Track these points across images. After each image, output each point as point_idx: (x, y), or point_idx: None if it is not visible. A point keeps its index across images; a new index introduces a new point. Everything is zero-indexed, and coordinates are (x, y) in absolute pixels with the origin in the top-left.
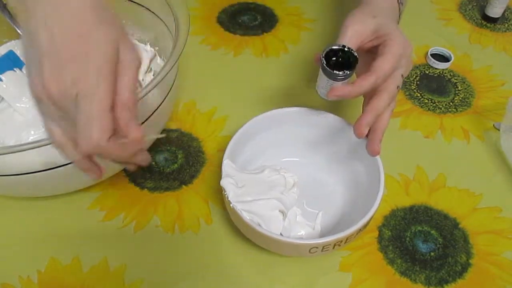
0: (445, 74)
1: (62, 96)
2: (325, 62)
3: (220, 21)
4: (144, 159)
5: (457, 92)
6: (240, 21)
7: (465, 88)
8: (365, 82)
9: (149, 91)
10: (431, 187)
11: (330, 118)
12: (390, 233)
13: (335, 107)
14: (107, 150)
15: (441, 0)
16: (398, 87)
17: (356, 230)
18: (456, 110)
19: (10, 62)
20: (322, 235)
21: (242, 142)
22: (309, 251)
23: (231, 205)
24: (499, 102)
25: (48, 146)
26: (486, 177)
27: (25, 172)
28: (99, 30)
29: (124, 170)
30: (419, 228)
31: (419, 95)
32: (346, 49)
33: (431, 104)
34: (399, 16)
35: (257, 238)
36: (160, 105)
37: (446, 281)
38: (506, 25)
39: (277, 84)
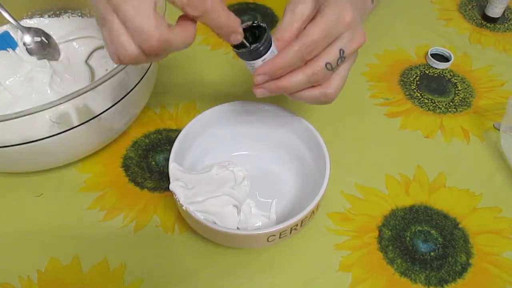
0: (445, 74)
1: None
2: (232, 45)
3: None
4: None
5: (457, 92)
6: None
7: (465, 88)
8: (287, 51)
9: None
10: (431, 187)
11: (273, 109)
12: (390, 233)
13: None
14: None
15: (441, 0)
16: (328, 64)
17: (309, 212)
18: (456, 110)
19: (4, 42)
20: (278, 223)
21: (187, 143)
22: (267, 240)
23: (183, 208)
24: (499, 102)
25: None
26: (486, 177)
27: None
28: None
29: (125, 170)
30: (419, 228)
31: (419, 95)
32: (255, 24)
33: (431, 104)
34: None
35: (214, 236)
36: (137, 84)
37: (446, 281)
38: (506, 25)
39: None
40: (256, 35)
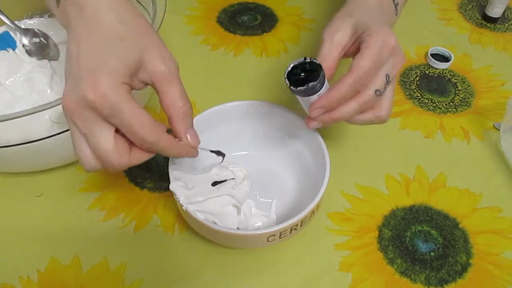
0: (445, 74)
1: (77, 110)
2: (288, 82)
3: (220, 21)
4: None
5: (457, 92)
6: (240, 21)
7: (465, 88)
8: (342, 85)
9: None
10: (431, 187)
11: (273, 109)
12: (390, 233)
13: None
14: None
15: (441, 0)
16: (377, 91)
17: (309, 212)
18: (456, 110)
19: (4, 42)
20: (278, 223)
21: None
22: (267, 240)
23: (183, 208)
24: (499, 102)
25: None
26: (486, 177)
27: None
28: (119, 45)
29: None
30: (419, 228)
31: (419, 95)
32: (307, 60)
33: (431, 104)
34: (396, 7)
35: (214, 236)
36: None
37: (446, 281)
38: (506, 25)
39: (277, 84)
40: (305, 69)
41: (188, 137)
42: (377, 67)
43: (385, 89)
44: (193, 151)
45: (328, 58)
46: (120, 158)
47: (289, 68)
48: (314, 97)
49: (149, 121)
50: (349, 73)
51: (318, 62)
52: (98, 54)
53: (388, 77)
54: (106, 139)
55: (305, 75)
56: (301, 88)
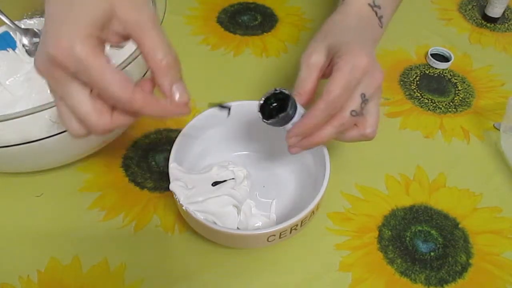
0: (445, 74)
1: (45, 69)
2: (260, 116)
3: (220, 21)
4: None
5: (457, 92)
6: (240, 21)
7: (465, 88)
8: (314, 111)
9: (125, 67)
10: (431, 187)
11: None
12: (390, 233)
13: None
14: (141, 106)
15: (441, 0)
16: (352, 112)
17: (309, 212)
18: (456, 110)
19: (4, 42)
20: (278, 223)
21: (187, 143)
22: (267, 240)
23: (183, 207)
24: (499, 102)
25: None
26: (486, 177)
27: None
28: None
29: (125, 170)
30: (419, 228)
31: (419, 95)
32: (277, 91)
33: (431, 104)
34: (380, 20)
35: (214, 236)
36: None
37: (446, 281)
38: (506, 25)
39: (277, 84)
40: (279, 98)
41: (175, 93)
42: (349, 89)
43: (362, 108)
44: (182, 108)
45: (306, 82)
46: (100, 119)
47: (261, 101)
48: (289, 125)
49: (120, 78)
50: (320, 99)
51: (287, 92)
52: (63, 6)
53: (364, 96)
54: (82, 98)
55: (278, 104)
56: (272, 120)
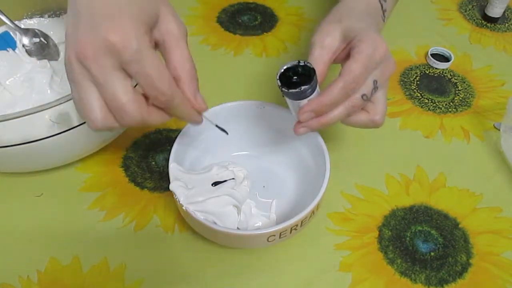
0: (445, 74)
1: (95, 55)
2: (279, 83)
3: (220, 21)
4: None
5: (457, 92)
6: (240, 21)
7: (465, 88)
8: (332, 89)
9: None
10: (431, 187)
11: (273, 109)
12: (390, 233)
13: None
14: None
15: (441, 0)
16: (364, 95)
17: (309, 212)
18: (456, 110)
19: (4, 42)
20: (278, 223)
21: (187, 143)
22: (267, 240)
23: (183, 207)
24: (499, 102)
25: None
26: (486, 177)
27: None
28: None
29: (125, 170)
30: (419, 228)
31: (419, 95)
32: (301, 63)
33: (431, 104)
34: (383, 13)
35: (214, 236)
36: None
37: (446, 281)
38: (506, 25)
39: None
40: (298, 73)
41: (197, 100)
42: (367, 72)
43: (372, 94)
44: (198, 117)
45: (319, 62)
46: (138, 109)
47: (282, 70)
48: (304, 101)
49: (168, 74)
50: (340, 77)
51: (312, 66)
52: (116, 1)
53: (376, 83)
54: (125, 87)
55: (297, 78)
56: (293, 90)
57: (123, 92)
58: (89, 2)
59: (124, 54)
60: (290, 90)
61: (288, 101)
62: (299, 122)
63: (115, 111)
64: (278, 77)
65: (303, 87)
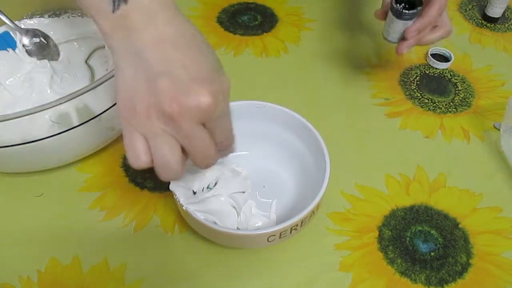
0: (445, 74)
1: (188, 114)
2: (399, 7)
3: (220, 21)
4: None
5: (457, 92)
6: (240, 21)
7: (465, 88)
8: (431, 12)
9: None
10: (431, 187)
11: (273, 109)
12: (390, 233)
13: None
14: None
15: None
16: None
17: (309, 212)
18: (456, 110)
19: (4, 42)
20: (278, 223)
21: None
22: (267, 240)
23: (183, 207)
24: (499, 102)
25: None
26: (486, 177)
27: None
28: (211, 53)
29: (125, 170)
30: (419, 228)
31: (419, 95)
32: None
33: (431, 104)
34: None
35: (214, 236)
36: None
37: (446, 281)
38: (506, 25)
39: (277, 84)
40: (402, 1)
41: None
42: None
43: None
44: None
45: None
46: (213, 160)
47: None
48: (410, 22)
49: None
50: (434, 5)
51: None
52: (199, 62)
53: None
54: (210, 141)
55: (404, 5)
56: (413, 11)
57: (209, 146)
58: (175, 56)
59: (214, 114)
60: (410, 11)
61: (397, 23)
62: (403, 40)
63: (161, 169)
64: (394, 1)
65: (419, 8)
